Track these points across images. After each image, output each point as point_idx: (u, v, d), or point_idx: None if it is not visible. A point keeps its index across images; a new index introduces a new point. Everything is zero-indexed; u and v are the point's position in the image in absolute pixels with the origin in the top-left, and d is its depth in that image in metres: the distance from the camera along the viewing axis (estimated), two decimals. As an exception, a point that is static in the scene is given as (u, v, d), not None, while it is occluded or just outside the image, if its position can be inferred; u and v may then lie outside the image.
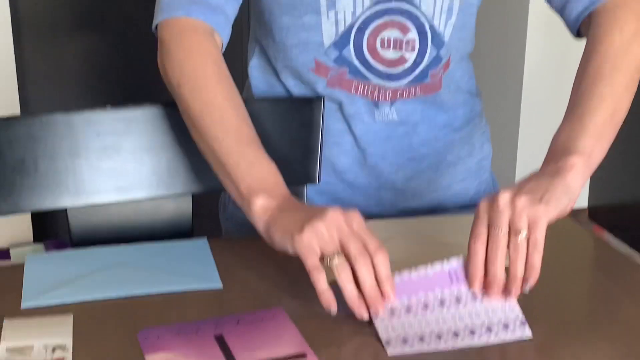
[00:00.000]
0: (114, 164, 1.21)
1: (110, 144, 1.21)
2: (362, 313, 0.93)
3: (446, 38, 1.20)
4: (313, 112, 1.24)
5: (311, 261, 0.94)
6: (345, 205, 1.21)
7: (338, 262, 0.93)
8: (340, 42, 1.17)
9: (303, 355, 0.92)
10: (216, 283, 1.05)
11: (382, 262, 0.93)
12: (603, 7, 1.13)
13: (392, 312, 0.96)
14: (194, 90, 1.09)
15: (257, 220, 1.01)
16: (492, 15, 2.65)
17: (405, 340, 0.93)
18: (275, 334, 0.96)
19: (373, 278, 0.93)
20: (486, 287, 0.95)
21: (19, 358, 0.91)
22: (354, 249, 0.93)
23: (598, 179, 2.62)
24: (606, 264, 1.13)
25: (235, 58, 1.25)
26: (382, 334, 0.94)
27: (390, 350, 0.91)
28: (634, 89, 1.09)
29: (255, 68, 1.28)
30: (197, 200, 1.26)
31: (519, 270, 0.92)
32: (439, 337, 0.93)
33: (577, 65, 1.11)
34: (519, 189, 0.95)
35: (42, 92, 2.68)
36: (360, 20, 1.16)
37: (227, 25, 1.15)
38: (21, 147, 1.18)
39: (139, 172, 1.22)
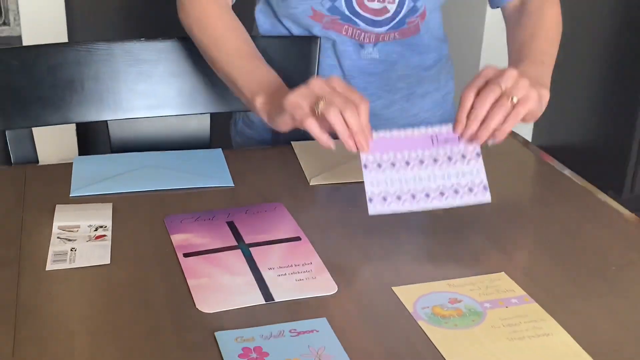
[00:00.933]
0: (146, 86, 1.21)
1: (143, 69, 1.21)
2: (351, 144, 0.91)
3: None
4: (310, 48, 1.24)
5: (300, 113, 0.92)
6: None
7: (325, 105, 0.90)
8: None
9: (298, 239, 0.94)
10: (228, 182, 1.07)
11: (365, 111, 0.91)
12: None
13: (379, 165, 0.95)
14: (201, 28, 1.13)
15: (261, 114, 1.03)
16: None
17: (384, 199, 0.93)
18: (275, 222, 0.97)
19: (358, 119, 0.91)
20: (464, 130, 0.93)
21: (68, 234, 0.93)
22: (338, 101, 0.91)
23: (540, 123, 2.64)
24: (547, 178, 1.15)
25: (246, 6, 1.25)
26: (367, 190, 0.94)
27: (371, 209, 0.93)
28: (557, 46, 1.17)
29: (261, 12, 1.28)
30: (213, 118, 1.27)
31: (495, 122, 0.91)
32: (413, 196, 0.94)
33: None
34: (523, 72, 0.95)
35: (86, 27, 2.66)
36: None
37: None
38: (70, 69, 1.18)
39: (167, 93, 1.22)
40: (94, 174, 1.07)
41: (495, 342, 0.76)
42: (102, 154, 1.15)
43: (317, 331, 0.77)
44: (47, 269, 0.86)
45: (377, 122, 1.29)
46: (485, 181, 0.94)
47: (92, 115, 1.19)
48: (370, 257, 0.91)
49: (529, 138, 2.91)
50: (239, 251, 0.91)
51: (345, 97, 0.91)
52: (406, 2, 1.19)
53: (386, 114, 1.30)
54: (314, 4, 1.18)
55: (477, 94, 0.92)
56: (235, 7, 1.18)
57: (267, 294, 0.83)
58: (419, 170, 0.95)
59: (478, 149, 0.95)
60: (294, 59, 1.24)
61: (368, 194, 0.93)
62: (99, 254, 0.89)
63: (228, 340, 0.75)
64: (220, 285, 0.84)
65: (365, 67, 1.25)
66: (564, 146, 2.92)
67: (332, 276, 0.86)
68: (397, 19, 1.20)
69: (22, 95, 1.16)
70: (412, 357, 0.74)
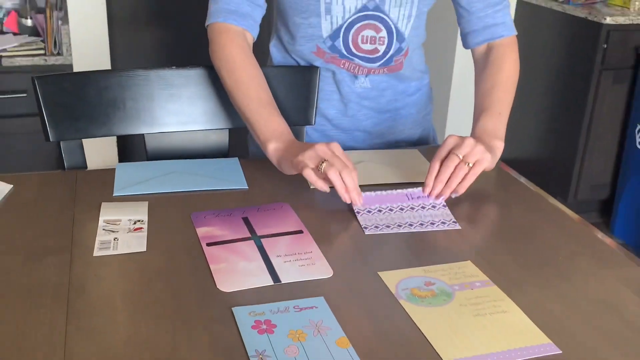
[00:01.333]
0: (176, 106, 1.22)
1: (174, 92, 1.21)
2: (346, 198, 0.98)
3: (406, 35, 1.21)
4: (312, 76, 1.24)
5: (305, 168, 0.98)
6: (331, 140, 1.24)
7: (327, 165, 0.96)
8: (334, 35, 1.19)
9: (300, 232, 0.95)
10: (243, 185, 1.07)
11: (356, 176, 0.98)
12: (500, 42, 1.24)
13: (369, 211, 0.99)
14: (228, 72, 1.14)
15: (271, 158, 1.07)
16: (436, 18, 2.65)
17: (377, 227, 0.96)
18: (282, 218, 0.98)
19: (354, 180, 0.97)
20: (432, 189, 1.01)
21: (112, 226, 0.94)
22: (337, 164, 0.97)
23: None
24: (506, 184, 1.16)
25: (263, 42, 1.26)
26: (362, 222, 0.96)
27: (367, 232, 0.95)
28: (514, 91, 1.22)
29: (274, 47, 1.29)
30: (231, 133, 1.27)
31: (454, 183, 1.00)
32: (399, 225, 0.96)
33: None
34: (478, 140, 1.03)
35: (127, 57, 2.68)
36: (347, 22, 1.18)
37: (255, 26, 1.18)
38: (114, 91, 1.18)
39: (193, 112, 1.22)
40: (133, 177, 1.07)
41: (463, 317, 0.77)
42: (138, 161, 1.16)
43: (317, 307, 0.78)
44: (94, 255, 0.86)
45: (369, 136, 1.31)
46: (453, 218, 0.99)
47: (131, 129, 1.20)
48: (360, 247, 0.92)
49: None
50: (252, 241, 0.91)
51: (342, 162, 0.97)
52: (393, 44, 1.21)
53: (376, 130, 1.31)
54: (319, 43, 1.20)
55: (442, 163, 1.01)
56: (255, 42, 1.19)
57: (275, 277, 0.83)
58: (401, 213, 1.00)
59: (443, 202, 1.02)
60: (300, 84, 1.25)
61: (362, 225, 0.97)
62: (137, 243, 0.89)
63: (243, 314, 0.76)
64: (236, 269, 0.85)
65: (360, 93, 1.26)
66: (520, 159, 2.94)
67: (328, 262, 0.87)
68: (386, 57, 1.22)
69: (74, 112, 1.17)
70: (394, 329, 0.75)
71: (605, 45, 2.49)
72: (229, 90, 1.14)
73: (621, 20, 2.48)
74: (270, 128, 1.08)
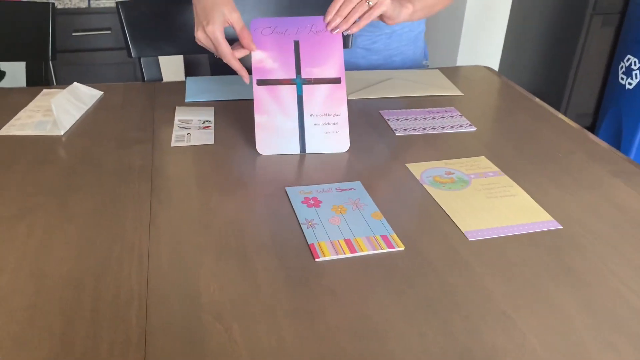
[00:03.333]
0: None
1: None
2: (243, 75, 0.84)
3: None
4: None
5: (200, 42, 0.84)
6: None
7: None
8: None
9: (338, 81, 0.83)
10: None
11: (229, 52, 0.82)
12: None
13: (398, 119, 0.92)
14: None
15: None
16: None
17: (405, 129, 0.91)
18: (328, 54, 0.84)
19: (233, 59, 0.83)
20: (331, 21, 0.84)
21: (185, 124, 0.92)
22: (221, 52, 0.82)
23: (506, 69, 2.54)
24: (513, 98, 1.10)
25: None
26: (392, 126, 0.90)
27: (397, 133, 0.89)
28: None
29: None
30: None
31: (353, 18, 0.84)
32: (424, 129, 0.91)
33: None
34: None
35: None
36: None
37: None
38: (184, 15, 1.13)
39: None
40: (200, 88, 1.04)
41: (478, 199, 0.74)
42: (202, 74, 1.12)
43: (354, 189, 0.76)
44: (171, 145, 0.85)
45: (367, 53, 1.22)
46: (469, 122, 0.91)
47: (199, 49, 1.15)
48: (391, 145, 0.88)
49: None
50: (294, 86, 0.83)
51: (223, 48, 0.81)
52: None
53: (373, 47, 1.22)
54: None
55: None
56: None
57: (302, 146, 0.83)
58: (425, 121, 0.92)
59: (458, 112, 0.92)
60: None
61: (393, 128, 0.90)
62: (206, 137, 0.87)
63: (294, 193, 0.74)
64: (273, 126, 0.82)
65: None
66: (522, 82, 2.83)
67: (351, 136, 0.83)
68: None
69: (152, 34, 1.13)
70: (419, 206, 0.73)
71: (597, -8, 2.33)
72: None
73: (613, -31, 2.31)
74: None
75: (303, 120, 0.82)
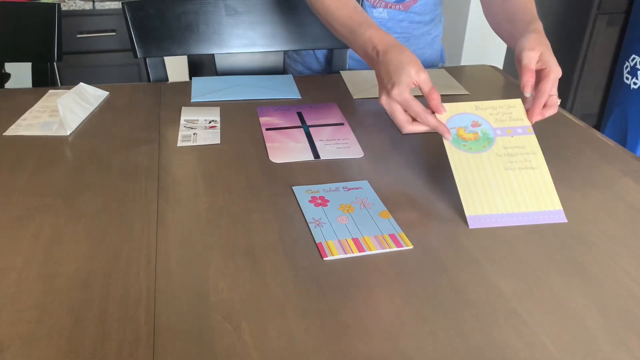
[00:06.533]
0: (240, 31, 1.17)
1: (240, 19, 1.16)
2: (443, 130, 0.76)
3: None
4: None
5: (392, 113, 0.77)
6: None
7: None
8: None
9: (342, 124, 0.91)
10: (297, 95, 1.03)
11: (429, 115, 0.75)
12: None
13: None
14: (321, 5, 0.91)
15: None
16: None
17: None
18: (329, 113, 0.95)
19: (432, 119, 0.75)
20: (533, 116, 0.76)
21: (191, 124, 0.91)
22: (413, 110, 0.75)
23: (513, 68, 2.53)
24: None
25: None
26: None
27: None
28: None
29: None
30: (286, 54, 1.22)
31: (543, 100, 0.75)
32: None
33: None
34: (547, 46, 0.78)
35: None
36: None
37: None
38: (190, 17, 1.14)
39: (254, 36, 1.18)
40: (206, 88, 1.04)
41: (494, 169, 0.72)
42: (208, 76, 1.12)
43: (362, 188, 0.75)
44: (177, 145, 0.85)
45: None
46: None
47: (204, 49, 1.16)
48: (396, 140, 0.88)
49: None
50: (302, 129, 0.89)
51: (416, 108, 0.75)
52: None
53: None
54: None
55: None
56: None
57: (316, 154, 0.82)
58: None
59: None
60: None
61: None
62: (212, 137, 0.87)
63: (301, 192, 0.74)
64: (286, 147, 0.84)
65: (378, 21, 1.17)
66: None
67: (363, 150, 0.83)
68: None
69: (157, 34, 1.13)
70: (428, 201, 0.72)
71: (602, -8, 2.33)
72: (325, 17, 0.91)
73: (618, -31, 2.30)
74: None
75: (314, 143, 0.86)
